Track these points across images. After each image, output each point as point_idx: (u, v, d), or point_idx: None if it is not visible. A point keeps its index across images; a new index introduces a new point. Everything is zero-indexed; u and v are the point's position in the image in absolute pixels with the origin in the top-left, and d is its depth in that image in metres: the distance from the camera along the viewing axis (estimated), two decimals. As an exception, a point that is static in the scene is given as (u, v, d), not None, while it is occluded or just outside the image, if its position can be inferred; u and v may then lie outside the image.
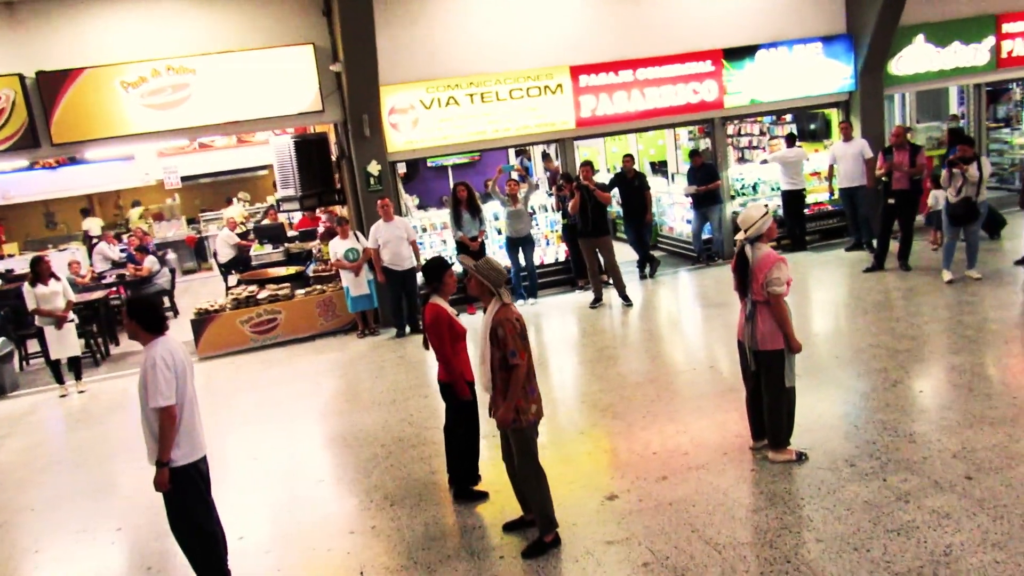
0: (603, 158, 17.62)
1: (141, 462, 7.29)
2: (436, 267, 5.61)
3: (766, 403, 5.71)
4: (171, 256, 16.22)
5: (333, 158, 11.63)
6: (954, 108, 15.85)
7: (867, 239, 11.97)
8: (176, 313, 13.86)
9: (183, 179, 18.00)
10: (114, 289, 12.99)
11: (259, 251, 13.26)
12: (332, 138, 11.63)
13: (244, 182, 21.17)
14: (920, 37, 12.78)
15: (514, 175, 11.77)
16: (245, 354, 10.68)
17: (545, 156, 15.45)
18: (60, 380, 9.89)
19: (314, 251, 12.32)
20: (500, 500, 5.68)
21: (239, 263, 15.10)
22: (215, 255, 15.16)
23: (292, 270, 12.28)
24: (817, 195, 13.05)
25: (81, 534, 6.07)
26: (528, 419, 4.84)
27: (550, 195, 12.25)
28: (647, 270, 12.20)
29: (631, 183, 11.75)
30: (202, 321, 10.75)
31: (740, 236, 5.64)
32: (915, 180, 10.56)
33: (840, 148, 11.95)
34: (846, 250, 12.15)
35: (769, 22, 12.20)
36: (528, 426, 4.86)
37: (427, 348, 5.81)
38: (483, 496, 5.78)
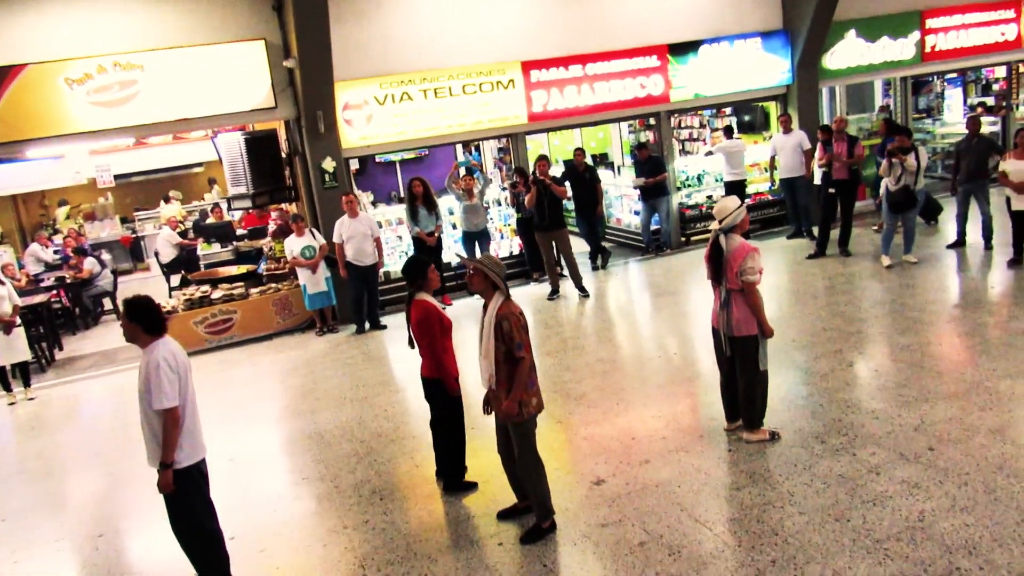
0: (546, 152, 17.79)
1: (110, 467, 7.21)
2: (418, 263, 5.68)
3: (741, 386, 5.98)
4: (106, 257, 15.73)
5: (283, 155, 11.52)
6: (879, 101, 16.60)
7: (807, 227, 12.46)
8: (119, 316, 13.46)
9: (115, 177, 17.42)
10: (55, 292, 12.57)
11: (207, 250, 13.00)
12: (281, 135, 11.51)
13: (178, 180, 20.64)
14: (852, 32, 13.35)
15: (462, 170, 11.81)
16: (201, 355, 10.49)
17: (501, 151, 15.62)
18: (7, 388, 9.56)
19: (265, 249, 12.15)
20: (489, 490, 5.81)
21: (181, 263, 14.79)
22: (156, 255, 14.79)
23: (243, 269, 12.10)
24: (758, 185, 13.53)
25: (59, 542, 5.94)
26: (529, 411, 4.97)
27: (503, 189, 12.37)
28: (599, 261, 12.46)
29: (582, 176, 11.96)
30: (154, 323, 10.50)
31: (715, 226, 5.87)
32: (853, 170, 11.07)
33: (780, 140, 12.36)
34: (787, 238, 12.63)
35: (711, 18, 12.56)
36: (529, 418, 4.99)
37: (412, 347, 5.86)
38: (472, 487, 5.89)
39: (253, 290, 11.10)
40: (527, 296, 11.38)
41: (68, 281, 12.88)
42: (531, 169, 11.27)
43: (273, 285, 11.21)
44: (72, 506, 6.64)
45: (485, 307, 4.99)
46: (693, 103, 12.96)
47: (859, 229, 12.06)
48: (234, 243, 13.14)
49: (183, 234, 15.16)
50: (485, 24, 11.39)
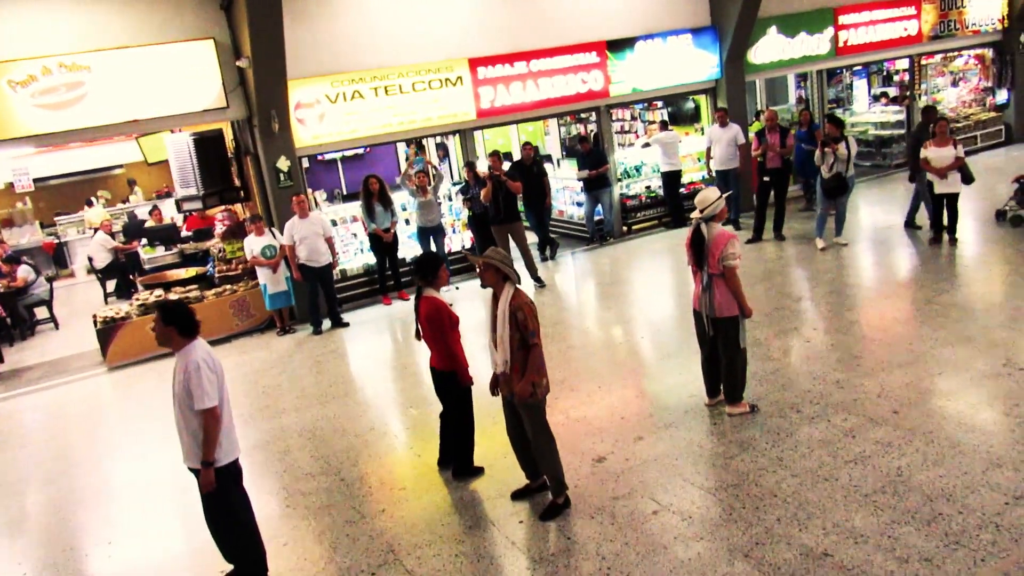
0: (482, 148, 18.05)
1: (90, 478, 7.12)
2: (432, 261, 5.89)
3: (724, 363, 6.45)
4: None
5: (229, 155, 11.42)
6: (792, 93, 17.59)
7: (734, 217, 12.93)
8: (56, 325, 13.06)
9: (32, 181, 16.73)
10: (-11, 303, 12.09)
11: (150, 253, 12.71)
12: (227, 135, 11.40)
13: (97, 182, 19.93)
14: (773, 28, 14.14)
15: (417, 167, 11.99)
16: (159, 360, 10.35)
17: (439, 146, 15.79)
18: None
19: (215, 251, 12.00)
20: (496, 474, 6.10)
21: (117, 268, 14.41)
22: (90, 260, 14.34)
23: (192, 272, 11.93)
24: (692, 175, 14.18)
25: (70, 551, 5.91)
26: (541, 392, 5.28)
27: (455, 184, 12.61)
28: (548, 252, 12.85)
29: (530, 170, 12.31)
30: (109, 330, 10.31)
31: (696, 215, 6.30)
32: (786, 159, 11.80)
33: (716, 133, 12.86)
34: (722, 226, 13.24)
35: (645, 15, 13.10)
36: (541, 399, 5.30)
37: (419, 339, 6.08)
38: (480, 471, 6.16)
39: (208, 292, 11.00)
40: (481, 289, 11.66)
41: (1, 291, 12.39)
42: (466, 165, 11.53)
43: (228, 287, 11.12)
44: (67, 516, 6.57)
45: (495, 298, 5.27)
46: (631, 97, 13.49)
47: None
48: (179, 246, 12.90)
49: (117, 237, 14.74)
50: (433, 21, 11.58)
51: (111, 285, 14.64)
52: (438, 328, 5.76)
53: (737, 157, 12.73)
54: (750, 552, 4.70)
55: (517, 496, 5.73)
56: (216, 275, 11.51)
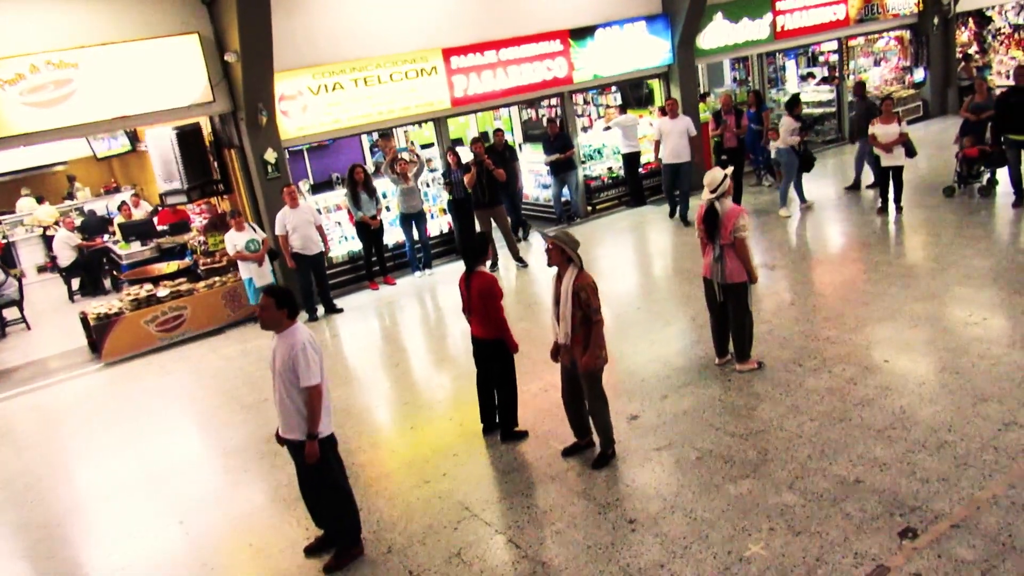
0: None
1: (149, 459, 7.26)
2: (482, 241, 6.36)
3: (733, 325, 7.14)
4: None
5: (208, 149, 11.50)
6: (727, 76, 18.54)
7: (683, 212, 12.69)
8: (28, 325, 12.88)
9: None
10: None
11: (126, 249, 12.65)
12: (205, 128, 11.49)
13: (34, 179, 19.34)
14: (719, 15, 14.97)
15: (405, 155, 12.32)
16: (155, 355, 10.47)
17: (384, 136, 16.00)
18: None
19: (196, 244, 12.08)
20: (539, 435, 6.64)
21: (81, 265, 14.25)
22: (55, 259, 14.13)
23: (176, 265, 11.98)
24: (650, 155, 14.91)
25: (178, 525, 6.18)
26: (602, 363, 5.85)
27: (432, 171, 12.97)
28: (521, 233, 13.38)
29: (502, 155, 12.77)
30: (103, 327, 10.35)
31: (706, 195, 6.94)
32: (740, 138, 12.63)
33: (667, 125, 12.52)
34: (669, 216, 13.23)
35: (604, 3, 13.72)
36: (601, 368, 5.87)
37: (466, 312, 6.55)
38: (525, 435, 6.69)
39: (198, 285, 11.11)
40: (454, 272, 12.07)
41: (-31, 293, 12.17)
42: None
43: (217, 279, 11.26)
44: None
45: (559, 276, 5.79)
46: (592, 83, 14.11)
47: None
48: (155, 240, 12.88)
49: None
50: (408, 13, 11.90)
51: (76, 283, 14.46)
52: (492, 299, 6.22)
53: (688, 150, 12.45)
54: (793, 484, 5.40)
55: (567, 453, 6.30)
56: (201, 268, 11.60)
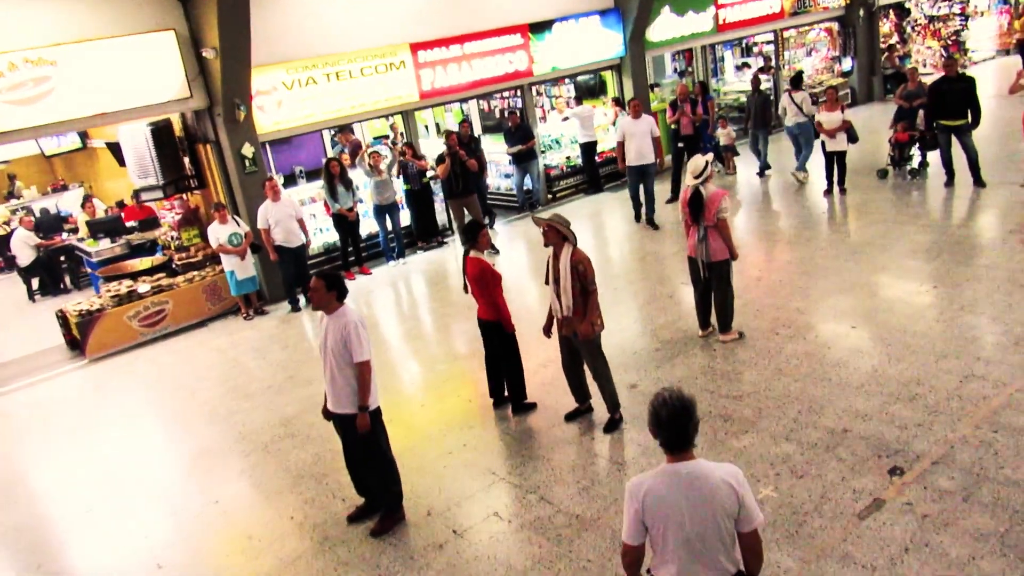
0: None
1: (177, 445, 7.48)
2: (475, 226, 6.83)
3: (717, 299, 7.79)
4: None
5: (179, 144, 11.61)
6: (668, 68, 19.31)
7: (650, 215, 12.26)
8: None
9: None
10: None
11: (94, 247, 12.60)
12: (175, 124, 11.58)
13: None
14: (666, 8, 15.68)
15: (381, 150, 12.60)
16: (138, 349, 10.57)
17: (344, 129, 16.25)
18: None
19: (169, 239, 12.15)
20: (547, 407, 7.15)
21: (41, 265, 14.09)
22: (15, 259, 13.93)
23: (151, 261, 12.02)
24: (606, 144, 15.55)
25: (214, 504, 6.45)
26: (598, 328, 6.39)
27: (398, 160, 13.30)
28: (487, 221, 13.83)
29: (468, 146, 13.19)
30: (86, 323, 10.39)
31: (690, 181, 7.54)
32: (697, 126, 13.37)
33: (630, 125, 11.99)
34: (635, 220, 13.03)
35: (554, -2, 14.24)
36: (599, 335, 6.41)
37: (467, 292, 7.02)
38: (534, 406, 7.20)
39: (178, 279, 11.23)
40: (437, 259, 12.58)
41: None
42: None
43: (196, 273, 11.39)
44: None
45: (555, 255, 6.30)
46: (551, 75, 14.64)
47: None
48: (124, 237, 12.85)
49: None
50: (377, 7, 12.19)
51: (36, 283, 14.30)
52: (484, 284, 6.70)
53: (652, 151, 11.98)
54: (789, 436, 6.06)
55: (570, 417, 6.86)
56: (176, 263, 11.70)
